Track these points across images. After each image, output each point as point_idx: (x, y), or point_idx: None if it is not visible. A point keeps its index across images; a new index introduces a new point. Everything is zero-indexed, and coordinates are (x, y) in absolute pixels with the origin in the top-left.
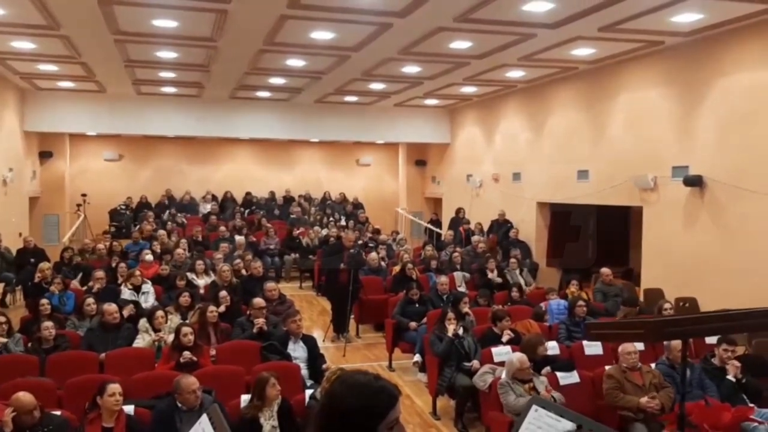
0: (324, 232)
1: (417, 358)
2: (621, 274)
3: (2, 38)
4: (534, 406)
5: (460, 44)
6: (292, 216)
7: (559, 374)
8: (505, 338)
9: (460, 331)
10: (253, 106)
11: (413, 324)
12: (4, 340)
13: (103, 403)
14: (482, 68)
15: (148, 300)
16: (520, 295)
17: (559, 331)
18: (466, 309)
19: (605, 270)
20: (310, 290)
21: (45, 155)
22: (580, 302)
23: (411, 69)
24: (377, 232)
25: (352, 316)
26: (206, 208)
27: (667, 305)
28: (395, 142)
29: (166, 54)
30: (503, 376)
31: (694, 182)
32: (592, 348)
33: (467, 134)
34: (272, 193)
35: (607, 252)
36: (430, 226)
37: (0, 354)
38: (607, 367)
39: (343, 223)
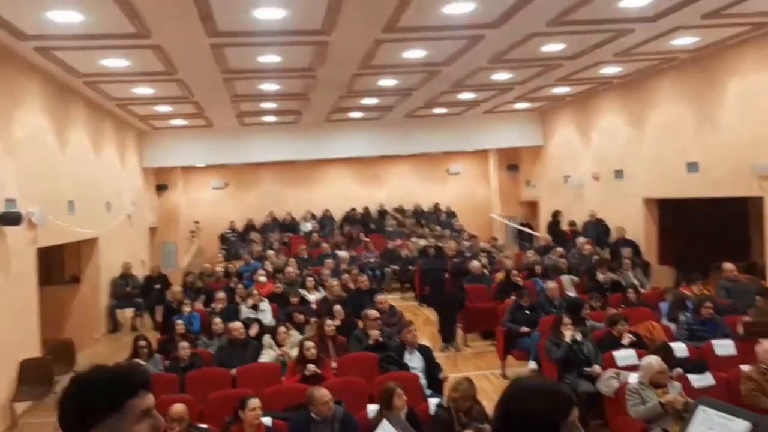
0: (422, 242)
1: (532, 365)
2: (743, 269)
3: (126, 86)
4: (701, 407)
5: (553, 47)
6: (388, 229)
7: (691, 376)
8: (626, 341)
9: (578, 337)
10: (346, 127)
11: (526, 329)
12: (144, 363)
13: (244, 416)
14: (575, 68)
15: (266, 317)
16: (636, 297)
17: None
18: (586, 314)
19: (728, 265)
20: (412, 301)
21: (161, 188)
22: (707, 303)
23: (501, 76)
24: (473, 239)
25: (459, 326)
26: (307, 227)
27: None
28: (484, 149)
29: (269, 86)
30: (630, 380)
31: None
32: (724, 348)
33: (561, 135)
34: (366, 209)
35: (723, 246)
36: (528, 230)
37: None
38: (744, 368)
39: (439, 231)
